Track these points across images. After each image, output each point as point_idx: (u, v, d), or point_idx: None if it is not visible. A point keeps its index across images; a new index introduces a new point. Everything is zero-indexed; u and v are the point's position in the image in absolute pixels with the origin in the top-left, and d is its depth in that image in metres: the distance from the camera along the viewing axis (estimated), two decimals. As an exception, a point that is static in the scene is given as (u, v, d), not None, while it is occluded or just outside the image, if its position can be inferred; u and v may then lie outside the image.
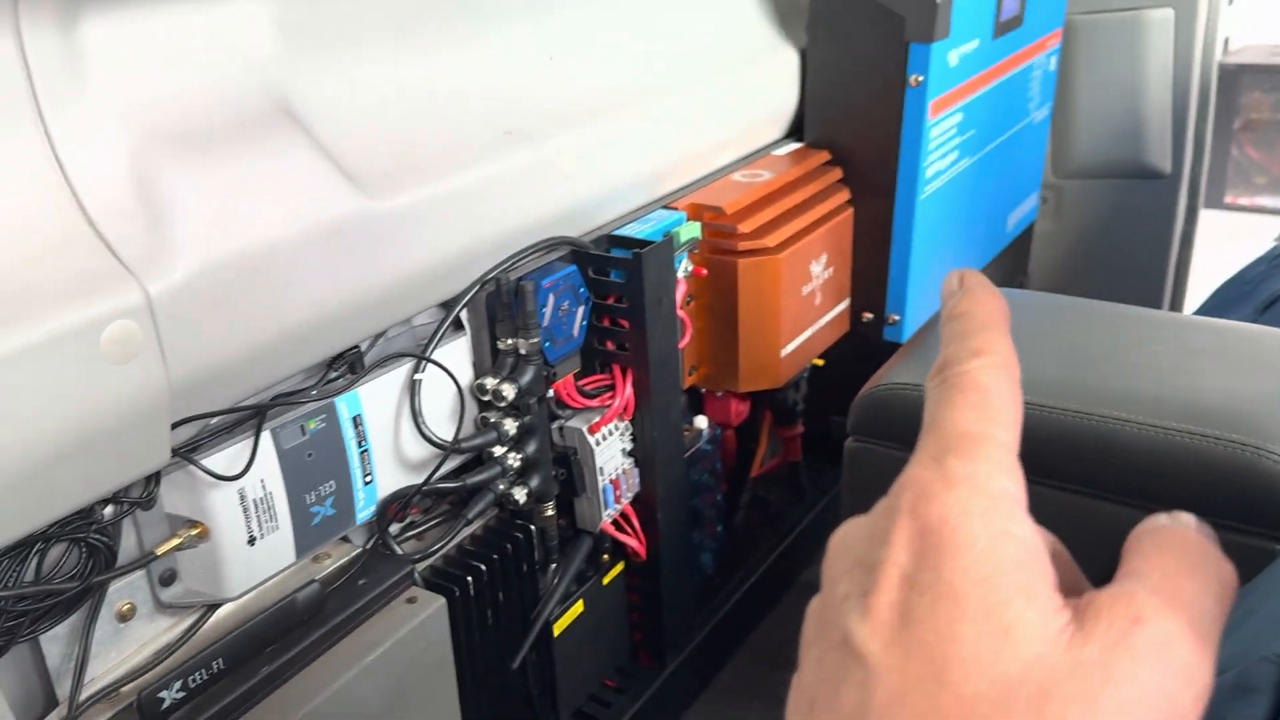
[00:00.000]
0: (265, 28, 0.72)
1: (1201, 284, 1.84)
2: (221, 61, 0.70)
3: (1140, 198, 1.76)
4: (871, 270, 1.28)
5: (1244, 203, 2.88)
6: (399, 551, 0.84)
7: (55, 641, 0.67)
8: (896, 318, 1.29)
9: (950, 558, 0.25)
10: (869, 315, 1.31)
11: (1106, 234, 1.80)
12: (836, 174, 1.23)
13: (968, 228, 1.43)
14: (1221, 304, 1.26)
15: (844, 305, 1.26)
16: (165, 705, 0.65)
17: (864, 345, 1.33)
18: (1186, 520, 0.27)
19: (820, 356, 1.31)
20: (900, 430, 0.92)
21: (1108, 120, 1.72)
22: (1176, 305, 1.82)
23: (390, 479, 0.83)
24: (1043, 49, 1.53)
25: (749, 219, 1.07)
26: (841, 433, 1.43)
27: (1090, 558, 0.92)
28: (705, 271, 1.07)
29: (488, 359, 0.89)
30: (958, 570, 0.24)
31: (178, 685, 0.66)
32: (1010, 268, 1.72)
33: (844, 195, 1.22)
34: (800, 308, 1.15)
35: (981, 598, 0.24)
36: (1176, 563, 0.25)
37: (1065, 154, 1.76)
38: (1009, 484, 0.26)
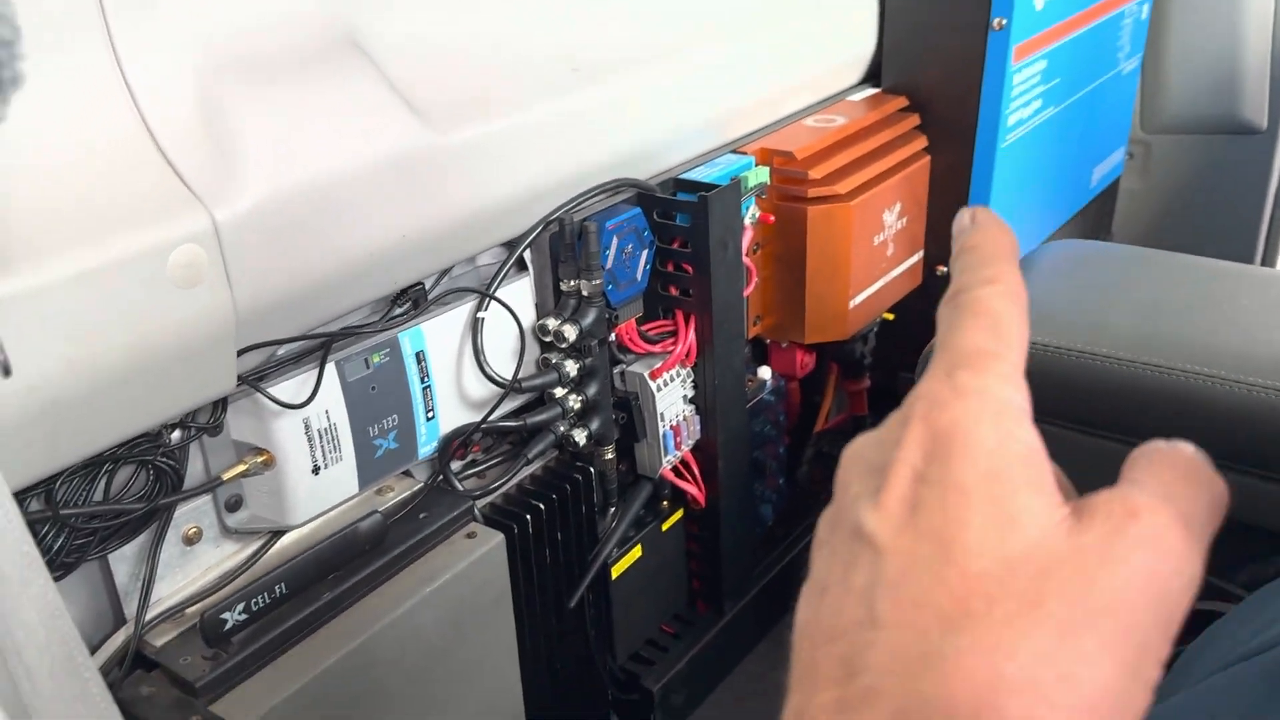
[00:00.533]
0: (333, -44, 0.72)
1: (1297, 246, 1.76)
2: (288, -10, 0.69)
3: (1234, 154, 1.68)
4: (948, 222, 1.23)
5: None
6: (460, 488, 0.85)
7: (123, 561, 0.68)
8: (970, 272, 1.26)
9: (960, 456, 0.26)
10: (943, 269, 1.27)
11: (1196, 192, 1.73)
12: (914, 120, 1.19)
13: (1049, 180, 1.38)
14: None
15: (917, 257, 1.23)
16: (228, 626, 0.67)
17: (936, 299, 1.28)
18: (1184, 445, 0.28)
19: (890, 310, 1.28)
20: (970, 382, 0.90)
21: (1201, 72, 1.64)
22: (1269, 266, 1.75)
23: (452, 416, 0.84)
24: (1135, -5, 1.47)
25: (820, 165, 1.04)
26: (909, 389, 1.41)
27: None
28: (773, 219, 1.04)
29: (550, 300, 0.89)
30: (966, 466, 0.26)
31: (240, 607, 0.67)
32: (1093, 225, 1.66)
33: (921, 143, 1.19)
34: (871, 258, 1.12)
35: (988, 489, 0.26)
36: (1171, 473, 0.27)
37: (1154, 108, 1.69)
38: (1016, 395, 0.28)
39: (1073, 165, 1.45)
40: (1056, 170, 1.40)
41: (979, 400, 0.27)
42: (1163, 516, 0.25)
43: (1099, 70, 1.42)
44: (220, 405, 0.69)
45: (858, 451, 0.30)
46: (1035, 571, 0.24)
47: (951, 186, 1.22)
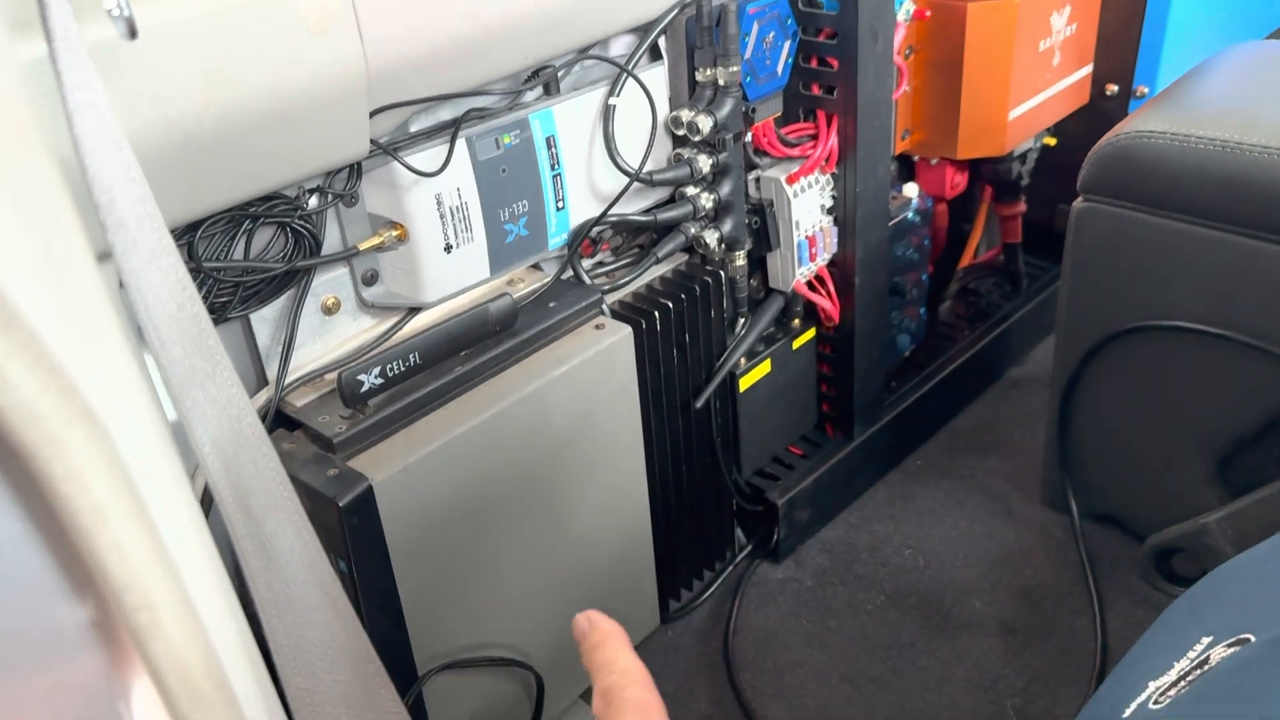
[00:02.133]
0: None
1: None
2: None
3: None
4: (1121, 35, 1.14)
5: None
6: (589, 282, 0.84)
7: (265, 324, 0.70)
8: (1145, 90, 1.15)
9: None
10: (1114, 88, 1.17)
11: None
12: (1090, -85, 1.08)
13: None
14: None
15: (1085, 71, 1.13)
16: (365, 389, 0.68)
17: (1104, 123, 1.19)
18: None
19: (1052, 134, 1.19)
20: (1143, 187, 0.83)
21: None
22: None
23: (583, 208, 0.82)
24: None
25: (983, -43, 0.96)
26: (1068, 224, 1.32)
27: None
28: (929, 14, 0.97)
29: (684, 93, 0.85)
30: None
31: (376, 371, 0.68)
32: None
33: (1097, -60, 1.08)
34: (1035, 65, 1.03)
35: None
36: None
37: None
38: None
39: (1270, -20, 1.30)
40: (1251, -17, 1.26)
41: None
42: None
43: None
44: (355, 172, 0.70)
45: None
46: None
47: (1129, -7, 1.11)
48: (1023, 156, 1.15)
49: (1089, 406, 0.95)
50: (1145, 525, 0.95)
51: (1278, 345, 0.79)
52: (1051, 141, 1.20)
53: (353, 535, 0.65)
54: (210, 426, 0.37)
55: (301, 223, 0.68)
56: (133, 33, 0.35)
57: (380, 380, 0.69)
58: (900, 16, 0.94)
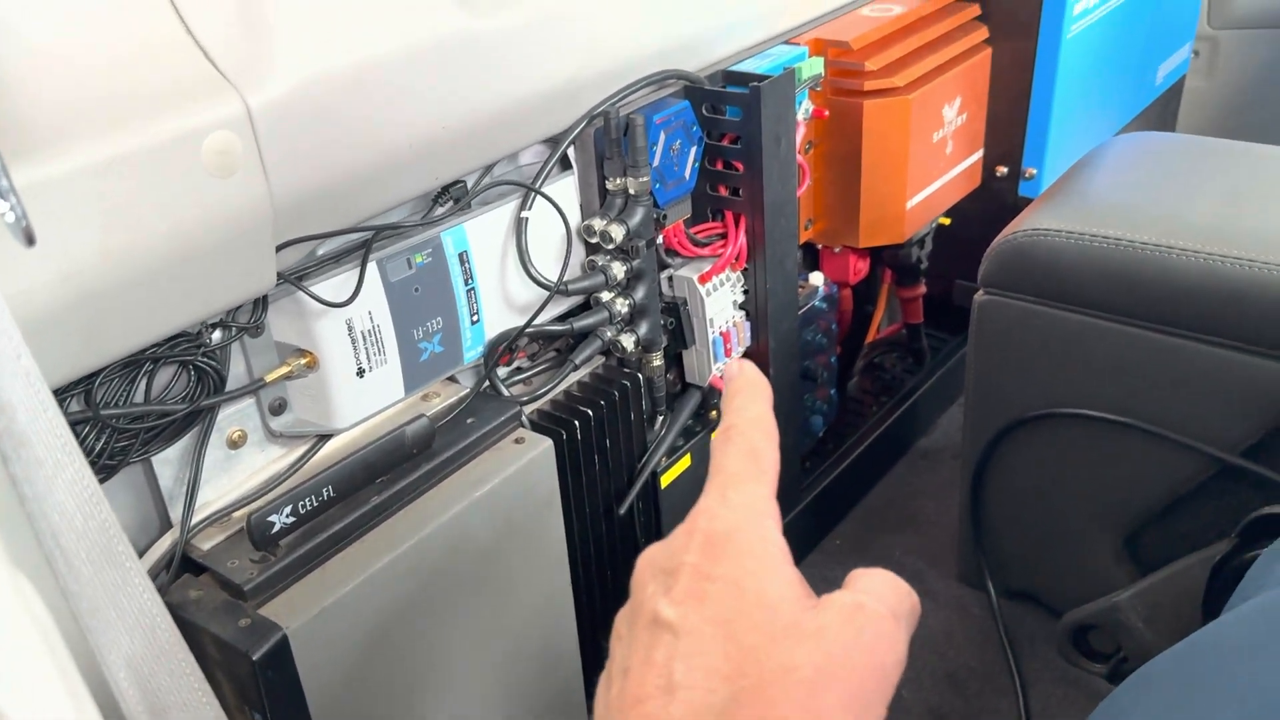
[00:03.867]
0: None
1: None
2: None
3: (1309, 50, 1.59)
4: (1009, 118, 1.18)
5: None
6: (507, 394, 0.82)
7: (167, 465, 0.67)
8: (1034, 172, 1.20)
9: (732, 557, 0.35)
10: (1003, 169, 1.22)
11: (1265, 90, 1.64)
12: (973, 10, 1.13)
13: (1113, 77, 1.31)
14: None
15: (976, 157, 1.17)
16: (275, 529, 0.65)
17: (995, 203, 1.24)
18: (886, 574, 0.37)
19: (946, 215, 1.23)
20: (1040, 281, 0.86)
21: (1278, -39, 1.55)
22: (1342, 170, 1.66)
23: (497, 320, 0.81)
24: (1211, -125, 1.37)
25: (877, 55, 0.99)
26: (965, 299, 1.36)
27: (1246, 416, 0.85)
28: (827, 113, 1.00)
29: (596, 200, 0.85)
30: (737, 566, 0.35)
31: (288, 510, 0.66)
32: (1156, 126, 1.59)
33: (981, 34, 1.13)
34: (929, 156, 1.07)
35: (754, 584, 0.35)
36: (884, 585, 0.36)
37: (1223, 1, 1.60)
38: (771, 507, 0.38)
39: (1137, 61, 1.38)
40: (1121, 66, 1.33)
41: (745, 514, 0.37)
42: (880, 609, 0.34)
43: (1169, -42, 1.34)
44: (261, 304, 0.67)
45: (651, 557, 0.38)
46: (791, 644, 0.33)
47: (1014, 81, 1.16)
48: (921, 241, 1.19)
49: (999, 487, 0.98)
50: (1061, 600, 0.97)
51: (1176, 431, 0.83)
52: (946, 221, 1.24)
53: (268, 689, 0.62)
54: (123, 646, 0.35)
55: (205, 360, 0.65)
56: (30, 240, 0.33)
57: (292, 519, 0.66)
58: (800, 116, 0.96)
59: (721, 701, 0.32)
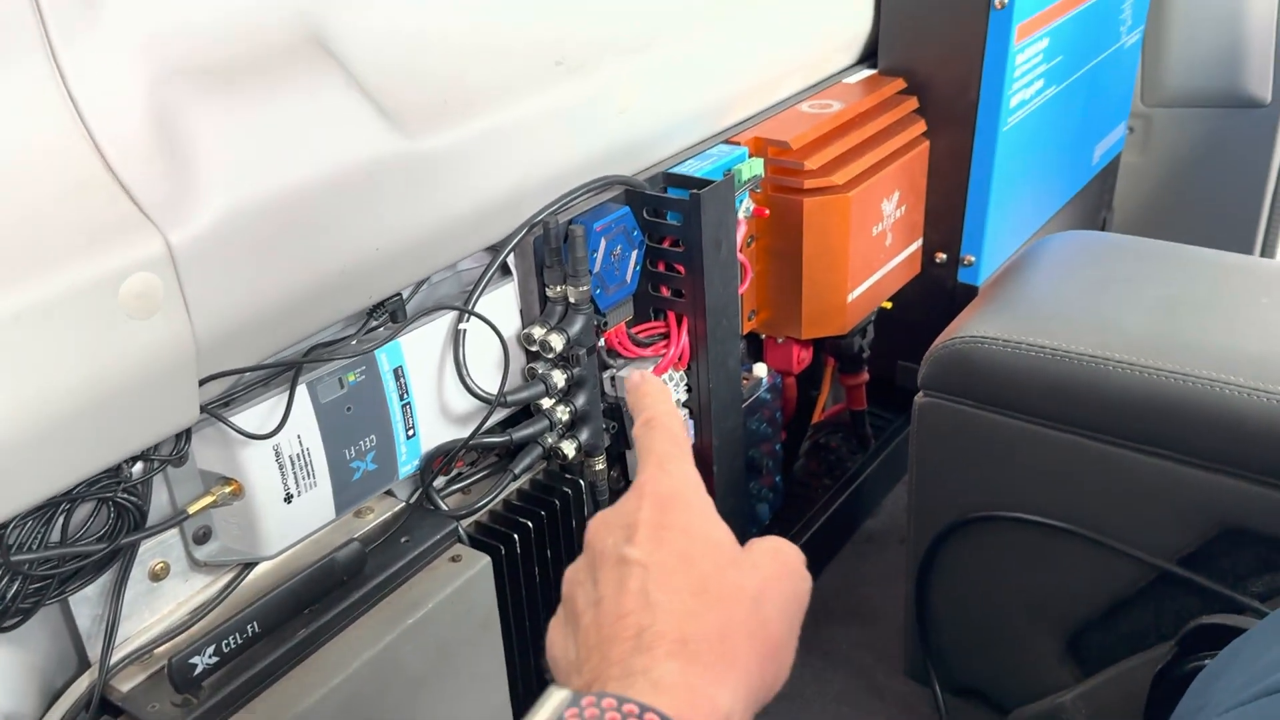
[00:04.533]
0: (294, -51, 0.66)
1: (1300, 222, 1.72)
2: (247, -13, 0.64)
3: (1236, 129, 1.64)
4: (947, 208, 1.20)
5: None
6: (443, 507, 0.81)
7: (85, 603, 0.64)
8: (972, 259, 1.22)
9: (679, 510, 0.45)
10: (943, 256, 1.23)
11: (1198, 168, 1.69)
12: (912, 104, 1.14)
13: (1051, 162, 1.34)
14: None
15: (916, 245, 1.19)
16: (198, 671, 0.63)
17: (935, 287, 1.25)
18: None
19: (888, 299, 1.24)
20: (979, 387, 0.86)
21: (1204, 44, 1.59)
22: (1270, 247, 1.71)
23: (434, 432, 0.79)
24: (1139, -35, 1.41)
25: (816, 154, 1.00)
26: (908, 380, 1.37)
27: (1184, 525, 0.85)
28: (768, 212, 1.00)
29: (536, 306, 0.84)
30: (684, 517, 0.45)
31: (211, 650, 0.63)
32: (1093, 204, 1.62)
33: (919, 127, 1.14)
34: (869, 249, 1.08)
35: (700, 529, 0.44)
36: (782, 540, 0.47)
37: (1156, 80, 1.64)
38: (699, 478, 0.48)
39: (1074, 144, 1.41)
40: (1058, 151, 1.35)
41: (681, 479, 0.47)
42: (794, 553, 0.46)
43: (1102, 45, 1.38)
44: (184, 435, 0.65)
45: (604, 519, 0.46)
46: (735, 572, 0.43)
47: (951, 172, 1.18)
48: (863, 330, 1.19)
49: (943, 584, 0.97)
50: (1007, 698, 0.97)
51: (1115, 538, 0.83)
52: (888, 305, 1.25)
53: (189, 844, 0.59)
54: None
55: (125, 496, 0.63)
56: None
57: (215, 659, 0.64)
58: (741, 214, 0.97)
59: (691, 609, 0.41)
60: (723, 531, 0.45)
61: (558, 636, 0.45)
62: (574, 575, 0.46)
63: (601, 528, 0.46)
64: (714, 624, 0.41)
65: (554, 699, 0.38)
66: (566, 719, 0.36)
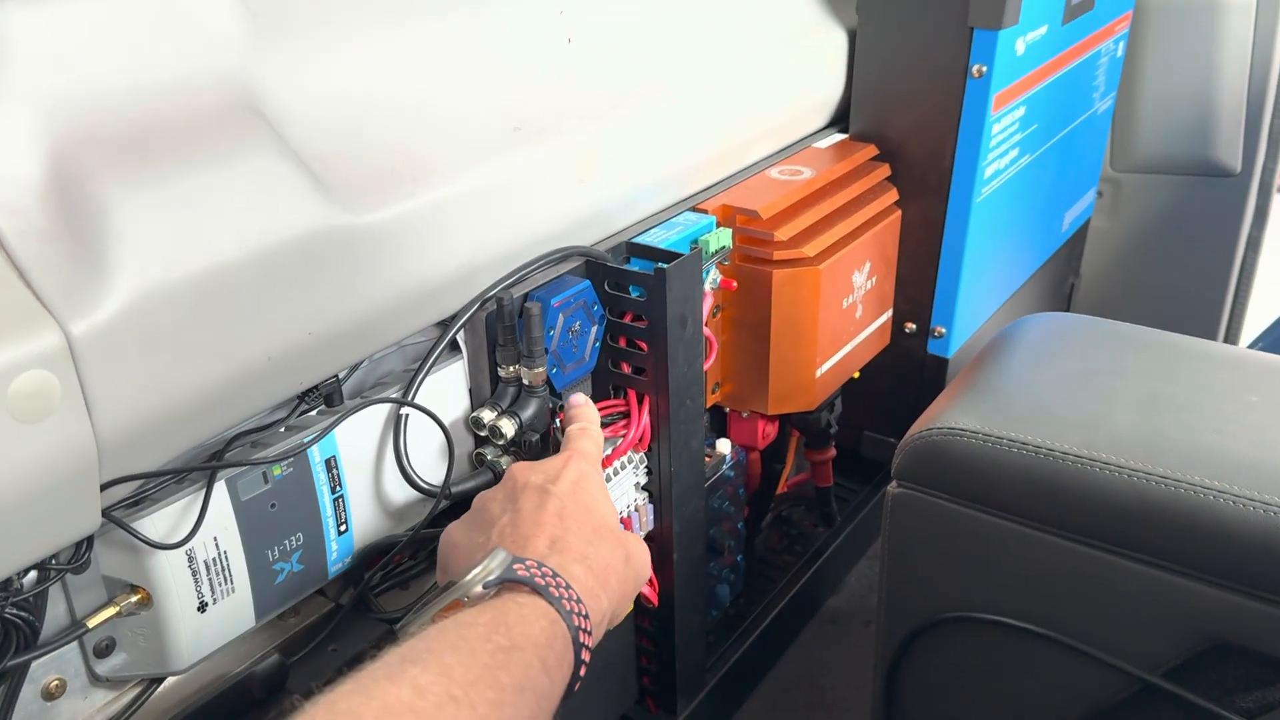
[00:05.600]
0: (227, 7, 0.60)
1: (1269, 293, 1.71)
2: (172, 47, 0.58)
3: (1205, 196, 1.62)
4: (918, 278, 1.16)
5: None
6: (377, 609, 0.74)
7: (-36, 731, 0.57)
8: (943, 330, 1.18)
9: (591, 483, 0.66)
10: (912, 326, 1.19)
11: (1166, 234, 1.67)
12: (884, 171, 1.11)
13: (1023, 231, 1.31)
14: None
15: (886, 316, 1.14)
16: (90, 811, 0.56)
17: (904, 358, 1.21)
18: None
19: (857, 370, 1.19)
20: (955, 481, 0.81)
21: (1175, 111, 1.58)
22: (1238, 315, 1.69)
23: (370, 525, 0.73)
24: (1111, 34, 1.40)
25: (786, 224, 0.95)
26: (874, 451, 1.32)
27: (1170, 636, 0.79)
28: (735, 285, 0.95)
29: (486, 386, 0.78)
30: (593, 487, 0.66)
31: (105, 788, 0.56)
32: (1062, 271, 1.60)
33: (892, 195, 1.10)
34: (839, 322, 1.03)
35: (599, 508, 0.65)
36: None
37: (1126, 146, 1.63)
38: (602, 476, 0.71)
39: (1046, 212, 1.38)
40: (1030, 219, 1.32)
41: (591, 467, 0.68)
42: (646, 552, 0.68)
43: (1075, 112, 1.35)
44: (85, 541, 0.58)
45: (527, 464, 0.67)
46: (616, 532, 0.64)
47: (923, 241, 1.14)
48: (831, 405, 1.14)
49: (914, 687, 0.92)
50: (977, 805, 0.91)
51: (1096, 646, 0.78)
52: (855, 374, 1.20)
53: None
54: None
55: (14, 611, 0.55)
56: None
57: (112, 796, 0.57)
58: (708, 286, 0.92)
59: (590, 540, 0.61)
60: (614, 513, 0.66)
61: (460, 534, 0.63)
62: (489, 494, 0.66)
63: (525, 469, 0.66)
64: (604, 556, 0.61)
65: (500, 555, 0.54)
66: (514, 567, 0.54)
